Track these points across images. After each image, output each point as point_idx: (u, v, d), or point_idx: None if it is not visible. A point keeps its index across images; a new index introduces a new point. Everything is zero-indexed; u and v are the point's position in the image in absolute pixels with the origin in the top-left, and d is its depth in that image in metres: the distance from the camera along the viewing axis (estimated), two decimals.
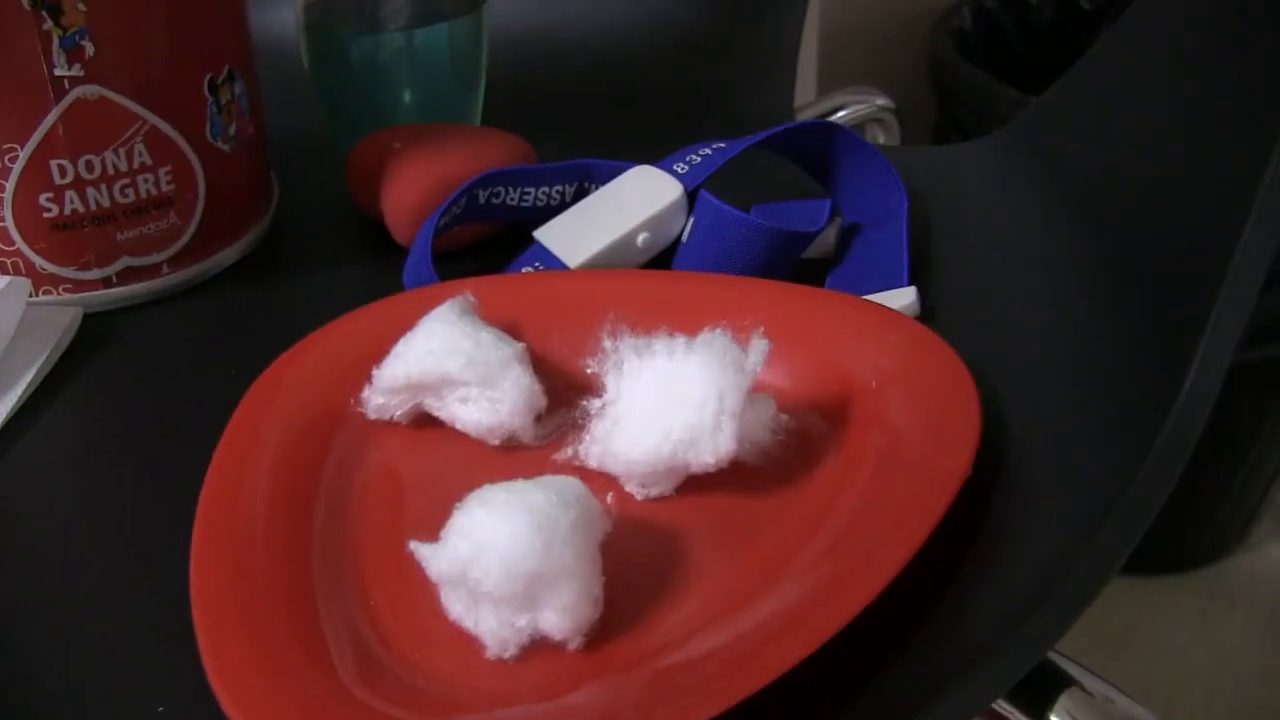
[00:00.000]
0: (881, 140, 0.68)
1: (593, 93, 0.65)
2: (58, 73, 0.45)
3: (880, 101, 0.66)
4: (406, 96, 0.56)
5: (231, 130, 0.51)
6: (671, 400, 0.34)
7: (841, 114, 0.66)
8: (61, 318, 0.48)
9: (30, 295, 0.49)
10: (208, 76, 0.49)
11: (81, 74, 0.46)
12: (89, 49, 0.45)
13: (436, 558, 0.31)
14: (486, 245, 0.52)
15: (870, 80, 0.87)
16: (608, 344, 0.37)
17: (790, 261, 0.46)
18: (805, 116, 0.66)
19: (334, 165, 0.57)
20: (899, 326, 0.39)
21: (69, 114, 0.46)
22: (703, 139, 0.51)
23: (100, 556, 0.38)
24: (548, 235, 0.48)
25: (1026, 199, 0.48)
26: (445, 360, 0.38)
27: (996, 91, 0.85)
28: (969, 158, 0.53)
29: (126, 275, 0.50)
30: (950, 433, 0.33)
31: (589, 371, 0.39)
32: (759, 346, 0.34)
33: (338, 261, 0.53)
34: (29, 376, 0.45)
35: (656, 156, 0.49)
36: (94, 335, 0.48)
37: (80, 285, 0.50)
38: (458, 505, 0.32)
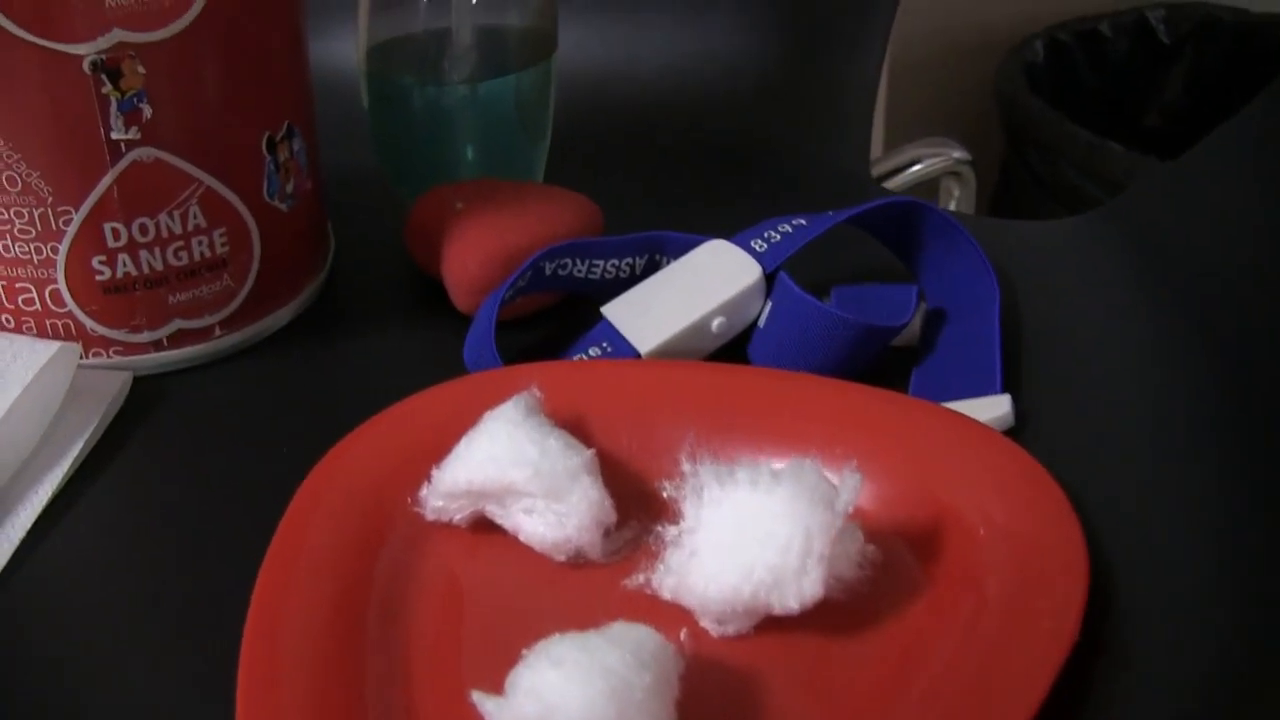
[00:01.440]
0: (956, 194, 0.66)
1: (661, 141, 0.63)
2: (114, 136, 0.43)
3: (956, 155, 0.64)
4: (469, 150, 0.54)
5: (289, 188, 0.49)
6: (754, 537, 0.32)
7: (917, 167, 0.63)
8: (111, 385, 0.47)
9: (80, 357, 0.47)
10: (266, 135, 0.47)
11: (138, 137, 0.44)
12: (147, 112, 0.44)
13: (501, 714, 0.29)
14: (550, 315, 0.50)
15: (937, 110, 0.84)
16: (687, 467, 0.34)
17: (873, 354, 0.43)
18: (880, 170, 0.64)
19: (392, 212, 0.55)
20: (1003, 455, 0.36)
21: (124, 177, 0.44)
22: (774, 192, 0.48)
23: (145, 648, 0.36)
24: (617, 313, 0.46)
25: (1130, 293, 0.46)
26: (509, 469, 0.36)
27: (1069, 132, 0.82)
28: (1064, 236, 0.50)
29: (178, 338, 0.48)
30: (1055, 588, 0.31)
31: (665, 494, 0.37)
32: (850, 483, 0.32)
33: (395, 321, 0.51)
34: (78, 448, 0.44)
35: (726, 214, 0.47)
36: (144, 399, 0.47)
37: (131, 348, 0.48)
38: (525, 653, 0.30)
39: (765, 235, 0.46)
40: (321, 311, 0.52)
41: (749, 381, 0.41)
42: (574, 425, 0.40)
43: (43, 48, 0.41)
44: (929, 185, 0.69)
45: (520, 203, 0.50)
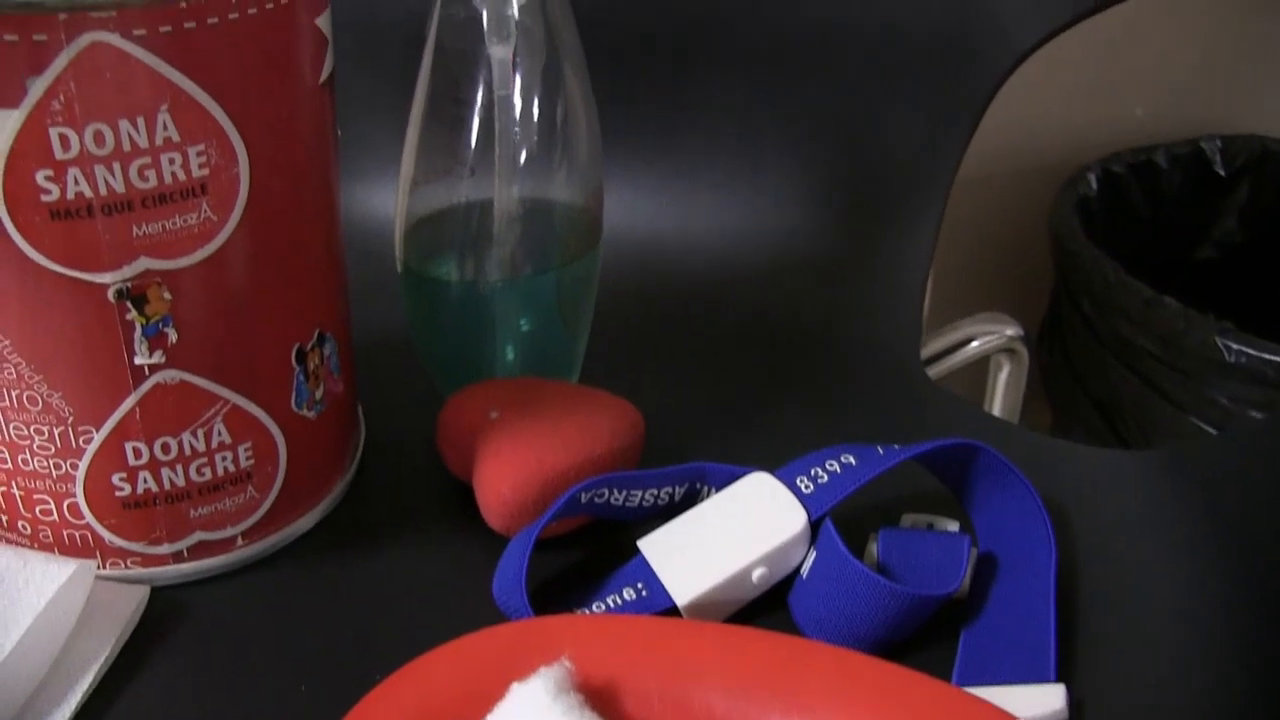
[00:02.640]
0: (1006, 369, 0.64)
1: (704, 321, 0.61)
2: (138, 361, 0.42)
3: (1010, 332, 0.62)
4: (508, 347, 0.52)
5: (318, 395, 0.48)
6: None
7: (974, 345, 0.61)
8: (128, 602, 0.45)
9: (97, 568, 0.45)
10: (296, 346, 0.46)
11: (163, 361, 0.42)
12: (172, 336, 0.42)
13: None
14: (584, 536, 0.48)
15: (986, 244, 0.82)
16: None
17: (920, 619, 0.41)
18: (932, 350, 0.62)
19: (424, 392, 0.53)
20: None
21: (147, 399, 0.43)
22: (822, 383, 0.46)
23: None
24: (654, 550, 0.44)
25: (1200, 551, 0.43)
26: None
27: (1125, 285, 0.80)
28: (1133, 470, 0.48)
29: (198, 549, 0.47)
30: None
31: None
32: None
33: (423, 530, 0.49)
34: (92, 673, 0.42)
35: (771, 414, 0.45)
36: (161, 610, 0.45)
37: (149, 559, 0.46)
38: None
39: (812, 473, 0.44)
40: (347, 514, 0.50)
41: (790, 655, 0.39)
42: (605, 689, 0.38)
43: (68, 277, 0.40)
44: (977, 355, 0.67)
45: (558, 413, 0.49)
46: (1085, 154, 0.99)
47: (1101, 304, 0.82)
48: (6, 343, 0.41)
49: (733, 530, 0.43)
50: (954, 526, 0.46)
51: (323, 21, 0.44)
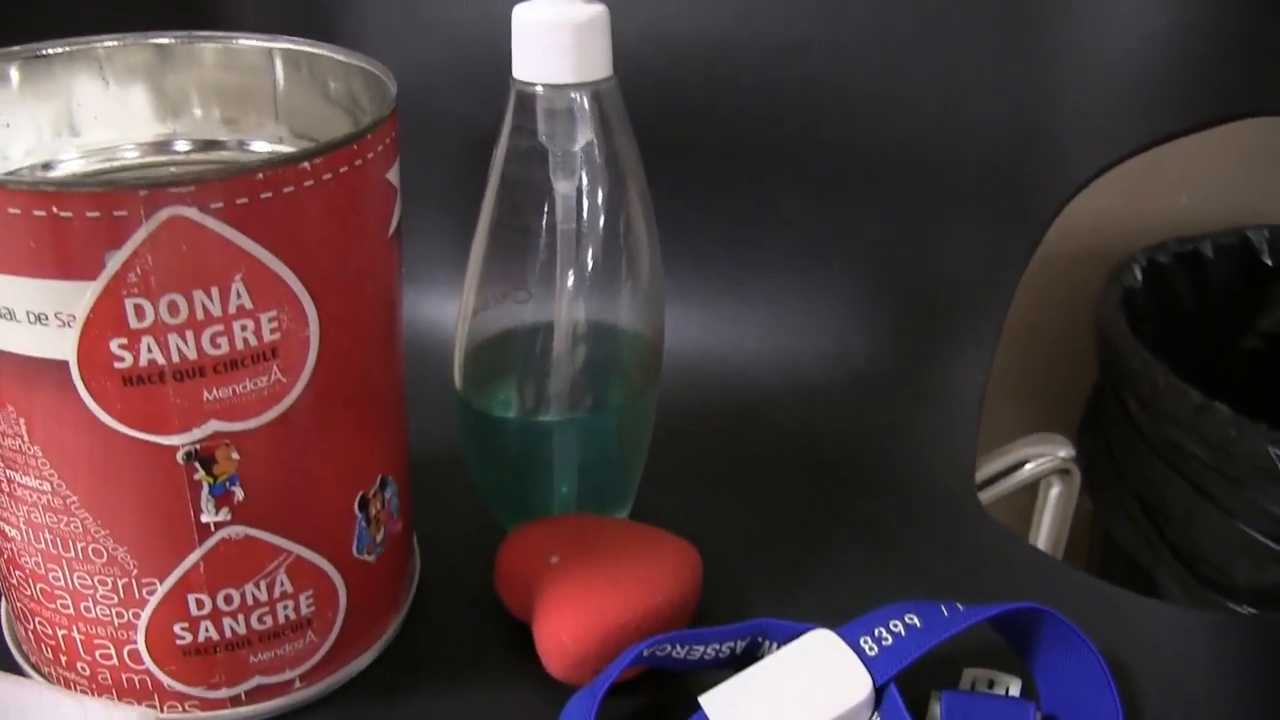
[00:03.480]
0: (1056, 490, 0.63)
1: (759, 437, 0.60)
2: (204, 519, 0.42)
3: (1063, 454, 0.61)
4: (565, 481, 0.52)
5: (379, 538, 0.47)
6: None
7: (1028, 467, 0.61)
8: None
9: (156, 712, 0.45)
10: (359, 495, 0.46)
11: (228, 518, 0.42)
12: (238, 494, 0.42)
13: None
14: (642, 683, 0.48)
15: (1028, 326, 0.81)
16: None
17: None
18: (987, 474, 0.61)
19: (478, 525, 0.53)
20: None
21: (212, 554, 0.43)
22: (876, 512, 0.46)
23: None
24: (716, 707, 0.43)
25: None
26: None
27: (1175, 389, 0.79)
28: (1208, 632, 0.47)
29: (256, 693, 0.47)
30: None
31: None
32: None
33: (479, 671, 0.49)
34: None
35: (825, 552, 0.44)
36: None
37: (208, 704, 0.46)
38: None
39: (876, 633, 0.44)
40: (403, 651, 0.50)
41: None
42: None
43: (138, 439, 0.40)
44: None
45: (618, 558, 0.48)
46: (1130, 243, 0.99)
47: (1149, 406, 0.82)
48: (74, 498, 0.41)
49: (797, 692, 0.43)
50: (1016, 686, 0.46)
51: (393, 174, 0.44)
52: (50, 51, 0.48)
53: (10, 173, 0.49)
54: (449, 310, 0.65)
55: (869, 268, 0.63)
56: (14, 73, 0.47)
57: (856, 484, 0.58)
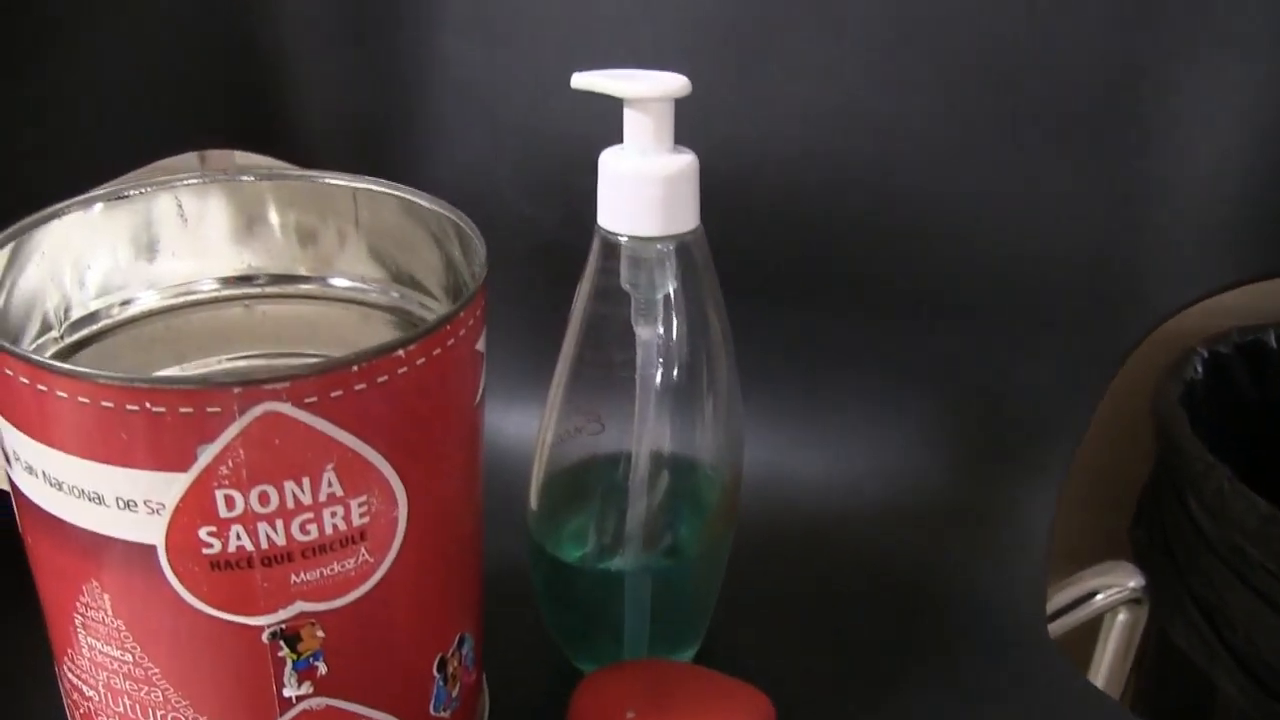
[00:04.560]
0: (1122, 618, 0.62)
1: (827, 562, 0.60)
2: (286, 693, 0.42)
3: (1133, 584, 0.60)
4: (636, 627, 0.52)
5: (454, 693, 0.47)
6: None
7: (1099, 599, 0.60)
8: None
9: None
10: (439, 656, 0.45)
11: (310, 691, 0.42)
12: (321, 669, 0.42)
13: None
14: None
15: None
16: None
17: None
18: (1057, 603, 0.60)
19: (548, 663, 0.52)
20: None
21: None
22: (949, 636, 0.45)
23: None
24: None
25: None
26: None
27: (1240, 496, 0.78)
28: None
29: None
30: None
31: None
32: None
33: None
34: None
35: (898, 672, 0.43)
36: None
37: None
38: None
39: None
40: None
41: None
42: None
43: (223, 620, 0.40)
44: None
45: (694, 710, 0.48)
46: (1189, 333, 0.98)
47: (1212, 509, 0.81)
48: (156, 670, 0.41)
49: None
50: None
51: (481, 342, 0.43)
52: (132, 193, 0.48)
53: (89, 314, 0.49)
54: (512, 423, 0.64)
55: (942, 391, 0.62)
56: (96, 213, 0.47)
57: (927, 614, 0.58)
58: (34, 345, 0.46)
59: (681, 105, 0.46)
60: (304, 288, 0.52)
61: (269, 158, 0.68)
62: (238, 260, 0.51)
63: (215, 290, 0.52)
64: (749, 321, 0.57)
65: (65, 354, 0.49)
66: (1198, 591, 0.84)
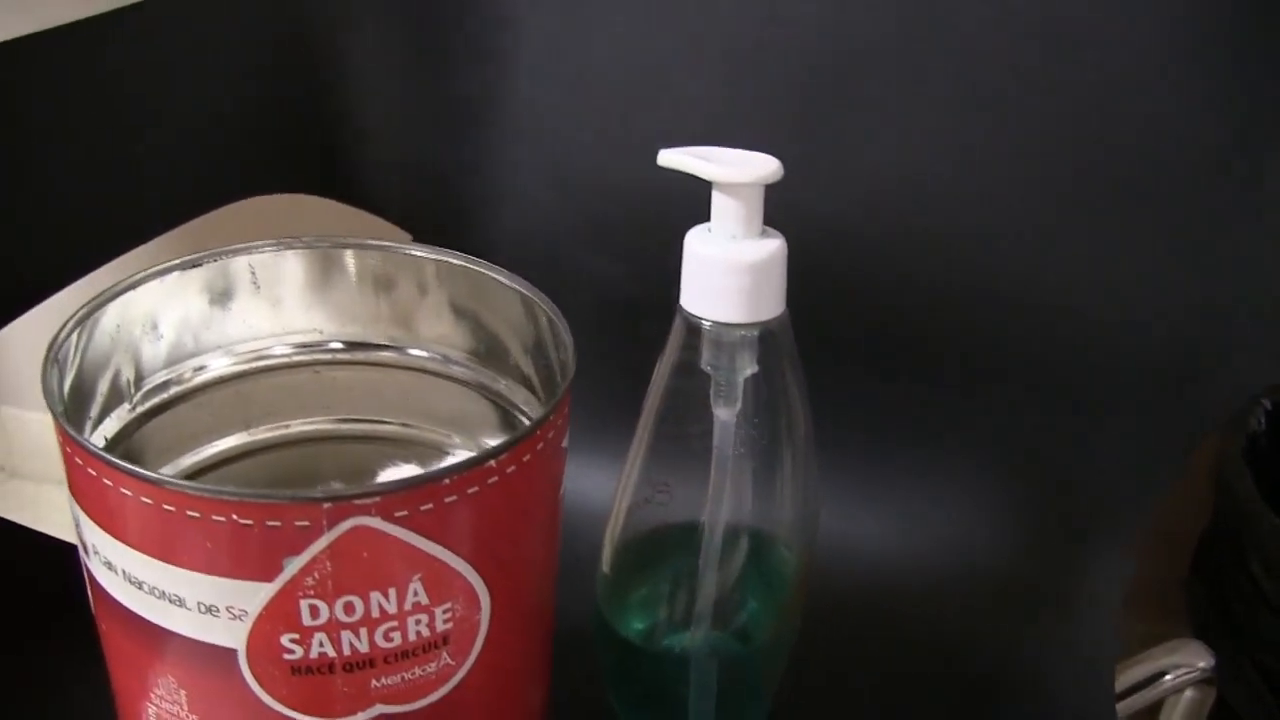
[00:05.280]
0: (1190, 694, 0.61)
1: (888, 643, 0.59)
2: None
3: (1203, 664, 0.59)
4: (702, 709, 0.51)
5: None
6: None
7: (1168, 679, 0.59)
8: None
9: None
10: None
11: None
12: None
13: None
14: None
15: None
16: None
17: None
18: (1125, 680, 0.59)
19: None
20: None
21: None
22: (1017, 710, 0.44)
23: None
24: None
25: None
26: None
27: None
28: None
29: None
30: None
31: None
32: None
33: None
34: None
35: None
36: None
37: None
38: None
39: None
40: None
41: None
42: None
43: None
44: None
45: None
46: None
47: (1275, 572, 0.79)
48: None
49: None
50: None
51: (566, 439, 0.42)
52: (205, 262, 0.47)
53: (161, 383, 0.48)
54: (575, 479, 0.63)
55: (1012, 465, 0.61)
56: (170, 281, 0.46)
57: (992, 696, 0.57)
58: (107, 416, 0.46)
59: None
60: (375, 354, 0.51)
61: (344, 204, 0.67)
62: (309, 325, 0.50)
63: (286, 355, 0.51)
64: (816, 387, 0.56)
65: (136, 423, 0.48)
66: (1258, 653, 0.83)
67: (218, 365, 0.50)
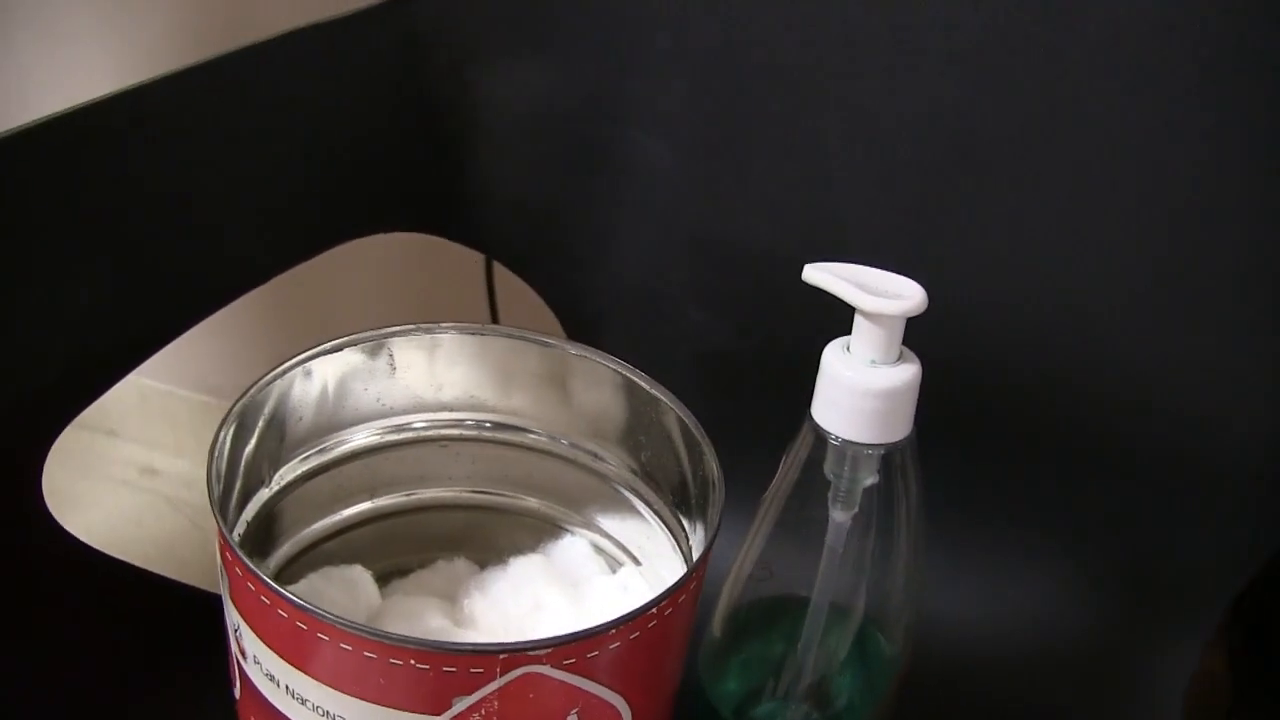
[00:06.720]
0: None
1: (968, 713, 0.60)
2: None
3: None
4: None
5: None
6: None
7: None
8: None
9: None
10: None
11: None
12: None
13: None
14: None
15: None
16: None
17: None
18: None
19: None
20: None
21: None
22: None
23: None
24: None
25: None
26: None
27: None
28: None
29: None
30: None
31: None
32: None
33: None
34: None
35: None
36: None
37: None
38: None
39: None
40: None
41: None
42: None
43: None
44: None
45: None
46: None
47: None
48: None
49: None
50: None
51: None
52: (347, 350, 0.48)
53: (297, 463, 0.49)
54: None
55: (1096, 546, 0.63)
56: (313, 371, 0.47)
57: None
58: (248, 501, 0.47)
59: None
60: (502, 435, 0.52)
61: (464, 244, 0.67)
62: (439, 405, 0.51)
63: (415, 432, 0.52)
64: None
65: (274, 500, 0.49)
66: None
67: (350, 444, 0.51)
